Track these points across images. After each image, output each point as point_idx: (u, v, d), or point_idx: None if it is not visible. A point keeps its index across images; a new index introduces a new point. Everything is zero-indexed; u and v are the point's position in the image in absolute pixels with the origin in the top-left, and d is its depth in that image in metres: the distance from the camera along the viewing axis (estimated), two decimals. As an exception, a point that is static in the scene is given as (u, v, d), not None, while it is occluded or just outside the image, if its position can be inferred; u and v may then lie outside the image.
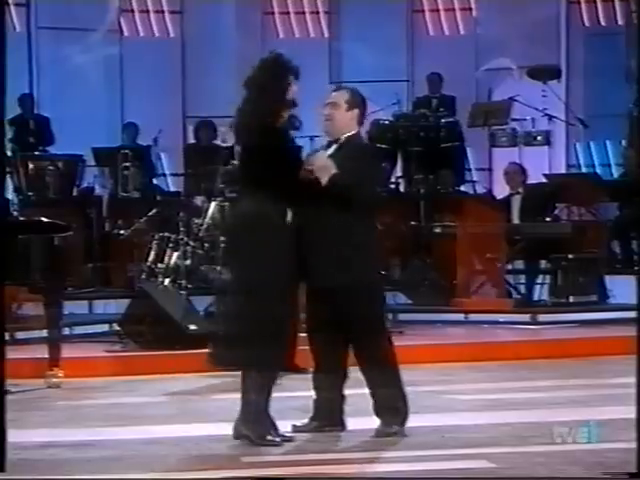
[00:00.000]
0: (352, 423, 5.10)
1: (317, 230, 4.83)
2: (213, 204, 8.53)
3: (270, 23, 12.21)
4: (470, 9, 12.10)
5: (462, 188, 10.87)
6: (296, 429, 4.98)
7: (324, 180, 4.82)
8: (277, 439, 4.77)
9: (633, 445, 4.57)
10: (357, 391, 5.10)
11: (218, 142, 10.70)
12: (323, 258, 4.84)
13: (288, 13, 12.23)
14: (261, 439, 4.75)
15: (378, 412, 4.94)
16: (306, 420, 5.04)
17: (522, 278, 9.84)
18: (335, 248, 4.84)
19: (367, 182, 4.94)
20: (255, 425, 4.76)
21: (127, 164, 10.01)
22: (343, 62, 12.12)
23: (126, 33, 11.84)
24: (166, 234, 8.53)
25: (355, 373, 5.03)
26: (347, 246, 4.85)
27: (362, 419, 5.14)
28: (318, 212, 4.82)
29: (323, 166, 4.86)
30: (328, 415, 5.03)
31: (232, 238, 5.01)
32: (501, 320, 9.00)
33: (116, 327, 7.95)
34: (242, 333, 4.78)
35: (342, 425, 5.03)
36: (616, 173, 11.14)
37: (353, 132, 5.16)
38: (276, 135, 4.80)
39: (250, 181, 4.82)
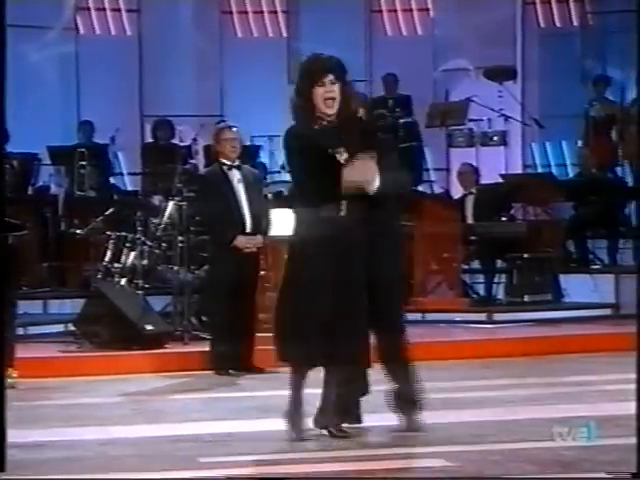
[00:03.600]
0: (308, 422, 5.11)
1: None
2: (171, 203, 8.50)
3: (228, 22, 12.17)
4: (427, 10, 12.16)
5: (420, 188, 10.92)
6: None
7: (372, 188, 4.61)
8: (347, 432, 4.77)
9: (589, 443, 4.64)
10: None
11: (176, 141, 10.67)
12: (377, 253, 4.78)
13: (246, 12, 12.21)
14: (338, 430, 4.77)
15: (402, 407, 4.93)
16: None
17: (478, 277, 9.91)
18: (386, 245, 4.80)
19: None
20: (334, 416, 4.77)
21: (83, 163, 9.94)
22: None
23: (82, 31, 11.74)
24: (123, 233, 8.48)
25: (313, 373, 5.04)
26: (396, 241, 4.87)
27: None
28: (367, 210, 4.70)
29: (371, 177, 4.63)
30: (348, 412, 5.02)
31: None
32: (457, 319, 9.07)
33: (71, 327, 7.90)
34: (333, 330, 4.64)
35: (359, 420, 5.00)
36: (571, 173, 11.26)
37: None
38: None
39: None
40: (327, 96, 4.67)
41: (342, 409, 4.88)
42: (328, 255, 4.61)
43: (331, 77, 4.69)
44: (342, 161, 4.61)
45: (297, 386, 4.76)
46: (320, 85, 4.68)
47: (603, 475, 4.08)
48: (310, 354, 4.63)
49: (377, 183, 4.64)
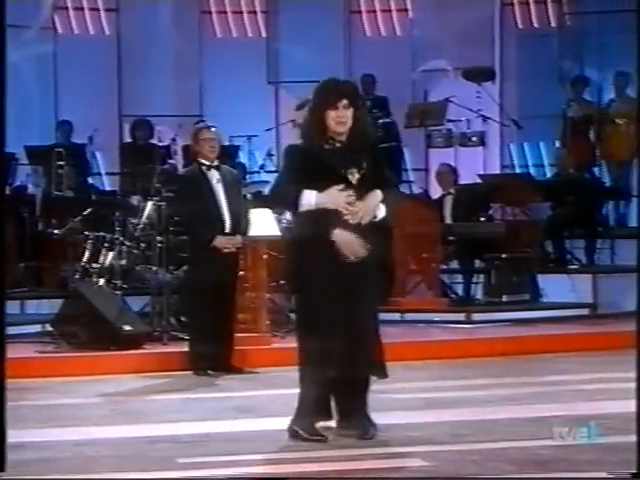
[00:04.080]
0: (285, 423, 5.12)
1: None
2: (149, 204, 8.48)
3: (207, 22, 12.16)
4: (406, 10, 12.18)
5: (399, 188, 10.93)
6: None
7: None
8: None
9: (566, 442, 4.67)
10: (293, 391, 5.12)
11: (155, 141, 10.64)
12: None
13: (225, 12, 12.19)
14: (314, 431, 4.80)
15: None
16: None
17: (457, 277, 9.94)
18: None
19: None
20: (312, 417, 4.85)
21: (61, 163, 9.89)
22: (280, 62, 12.12)
23: (60, 30, 11.69)
24: (101, 234, 8.45)
25: (291, 373, 5.05)
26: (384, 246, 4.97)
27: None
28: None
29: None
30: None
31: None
32: (436, 319, 9.09)
33: (49, 327, 7.86)
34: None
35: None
36: (549, 173, 11.31)
37: None
38: None
39: None
40: (339, 120, 4.80)
41: (320, 409, 4.90)
42: (339, 278, 4.74)
43: (345, 102, 4.81)
44: (354, 181, 4.77)
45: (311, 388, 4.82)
46: (333, 109, 4.80)
47: (603, 475, 4.09)
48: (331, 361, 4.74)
49: (381, 213, 4.84)
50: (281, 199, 4.97)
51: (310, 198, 4.74)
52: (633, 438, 4.52)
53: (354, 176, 4.79)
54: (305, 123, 4.95)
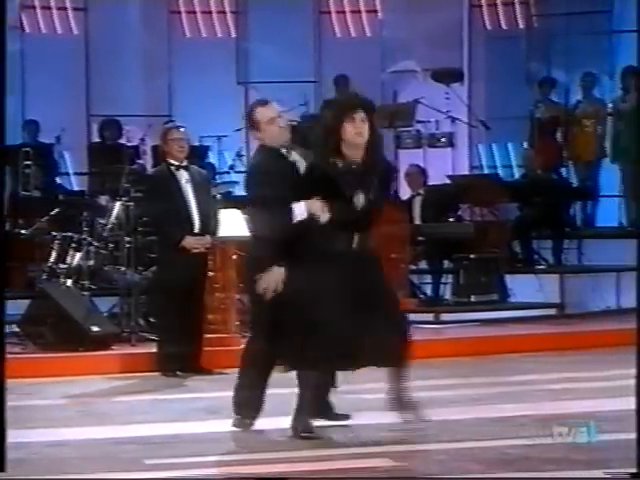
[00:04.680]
0: (258, 423, 5.12)
1: None
2: (118, 204, 8.44)
3: (177, 22, 12.12)
4: (376, 11, 12.21)
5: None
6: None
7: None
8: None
9: (533, 441, 4.70)
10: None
11: (123, 141, 10.60)
12: None
13: (195, 12, 12.16)
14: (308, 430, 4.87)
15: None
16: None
17: (426, 278, 9.97)
18: None
19: None
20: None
21: (28, 162, 9.82)
22: (250, 62, 12.11)
23: (28, 30, 11.62)
24: (69, 234, 8.40)
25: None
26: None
27: (267, 419, 5.16)
28: None
29: None
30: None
31: None
32: (405, 319, 9.10)
33: (15, 328, 7.80)
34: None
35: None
36: (517, 174, 11.37)
37: None
38: None
39: None
40: (357, 131, 4.83)
41: (316, 409, 4.99)
42: (344, 287, 4.86)
43: (362, 115, 4.84)
44: (359, 206, 4.88)
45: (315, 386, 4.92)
46: (350, 121, 4.82)
47: (602, 475, 4.11)
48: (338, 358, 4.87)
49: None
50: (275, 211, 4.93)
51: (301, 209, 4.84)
52: (600, 437, 4.56)
53: (359, 200, 4.87)
54: (319, 138, 4.96)
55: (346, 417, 5.19)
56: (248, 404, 5.09)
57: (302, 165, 5.07)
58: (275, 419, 5.13)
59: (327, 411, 5.17)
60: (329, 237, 4.86)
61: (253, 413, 5.08)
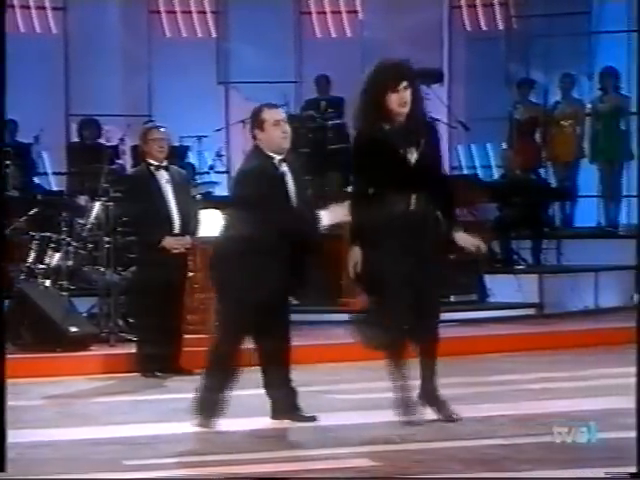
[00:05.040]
0: (234, 424, 5.11)
1: None
2: (97, 204, 8.41)
3: (156, 22, 12.09)
4: (356, 12, 12.22)
5: (349, 189, 10.94)
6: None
7: None
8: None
9: (511, 441, 4.71)
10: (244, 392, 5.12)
11: (102, 141, 10.56)
12: None
13: (175, 12, 12.14)
14: None
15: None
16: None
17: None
18: None
19: None
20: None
21: (6, 162, 9.77)
22: (231, 62, 12.10)
23: (6, 29, 11.55)
24: (47, 234, 8.37)
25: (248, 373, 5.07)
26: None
27: (245, 420, 5.16)
28: None
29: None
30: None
31: None
32: (385, 319, 9.11)
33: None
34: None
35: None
36: (496, 174, 11.42)
37: None
38: None
39: None
40: (401, 101, 4.94)
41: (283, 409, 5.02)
42: (405, 248, 4.96)
43: (405, 83, 4.96)
44: (412, 161, 4.97)
45: (398, 374, 5.04)
46: (394, 91, 4.95)
47: (602, 475, 4.12)
48: (403, 341, 5.05)
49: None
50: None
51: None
52: (578, 438, 4.58)
53: (412, 155, 4.96)
54: (361, 106, 5.03)
55: (312, 418, 5.18)
56: (212, 405, 5.08)
57: (290, 178, 5.12)
58: (253, 420, 5.13)
59: (292, 412, 5.15)
60: (387, 201, 4.93)
61: (216, 414, 5.08)
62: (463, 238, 5.14)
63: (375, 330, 5.04)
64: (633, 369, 6.24)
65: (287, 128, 5.17)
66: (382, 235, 4.93)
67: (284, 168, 5.13)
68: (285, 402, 5.17)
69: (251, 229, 4.97)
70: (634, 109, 10.79)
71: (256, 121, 5.18)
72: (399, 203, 4.94)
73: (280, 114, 5.22)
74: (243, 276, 5.01)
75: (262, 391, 5.19)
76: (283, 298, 5.18)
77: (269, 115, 5.16)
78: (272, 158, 5.13)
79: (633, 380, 6.06)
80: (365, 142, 4.99)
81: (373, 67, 5.10)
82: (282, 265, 5.02)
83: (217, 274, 5.20)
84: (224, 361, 5.07)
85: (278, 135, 5.12)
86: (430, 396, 5.12)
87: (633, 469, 3.88)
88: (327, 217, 5.07)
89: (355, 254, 5.01)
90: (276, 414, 5.19)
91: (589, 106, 11.05)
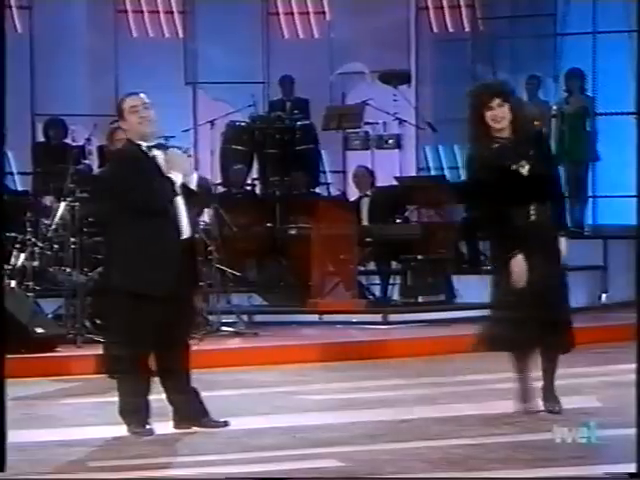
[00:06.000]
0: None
1: None
2: (63, 204, 8.34)
3: (123, 21, 12.03)
4: (324, 13, 12.23)
5: (317, 190, 10.97)
6: None
7: None
8: None
9: (478, 441, 4.73)
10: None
11: (68, 141, 10.49)
12: None
13: (142, 12, 12.08)
14: None
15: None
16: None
17: (374, 279, 10.01)
18: None
19: None
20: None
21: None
22: (198, 63, 12.06)
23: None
24: (12, 234, 8.29)
25: (207, 375, 5.03)
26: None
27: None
28: None
29: None
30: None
31: None
32: (354, 320, 9.13)
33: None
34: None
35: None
36: (464, 176, 11.45)
37: None
38: None
39: None
40: (495, 118, 5.27)
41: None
42: (531, 258, 5.24)
43: (498, 100, 5.28)
44: (525, 173, 5.25)
45: (521, 370, 5.38)
46: (489, 109, 5.28)
47: (601, 475, 4.14)
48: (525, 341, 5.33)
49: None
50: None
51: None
52: (544, 436, 4.61)
53: (524, 168, 5.24)
54: (469, 127, 5.43)
55: (225, 424, 5.08)
56: (138, 409, 5.04)
57: (162, 161, 5.03)
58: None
59: (200, 417, 5.08)
60: (509, 213, 5.19)
61: (145, 418, 5.03)
62: (564, 244, 5.39)
63: (506, 334, 5.36)
64: (597, 369, 6.29)
65: (147, 113, 5.06)
66: (510, 248, 5.21)
67: (155, 152, 5.05)
68: (190, 408, 5.08)
69: (129, 224, 4.94)
70: (599, 110, 10.90)
71: (118, 112, 5.15)
72: (519, 217, 5.22)
73: (137, 100, 5.11)
74: (127, 270, 5.00)
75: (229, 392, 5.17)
76: (175, 298, 4.99)
77: (126, 103, 5.11)
78: (139, 145, 5.06)
79: (596, 380, 6.13)
80: (475, 162, 5.38)
81: (469, 90, 5.56)
82: (167, 259, 4.95)
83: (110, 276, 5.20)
84: (132, 366, 5.01)
85: (135, 121, 5.06)
86: (547, 390, 5.37)
87: (633, 469, 3.89)
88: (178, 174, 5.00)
89: (520, 263, 5.21)
90: (180, 422, 5.09)
91: (555, 107, 11.12)
